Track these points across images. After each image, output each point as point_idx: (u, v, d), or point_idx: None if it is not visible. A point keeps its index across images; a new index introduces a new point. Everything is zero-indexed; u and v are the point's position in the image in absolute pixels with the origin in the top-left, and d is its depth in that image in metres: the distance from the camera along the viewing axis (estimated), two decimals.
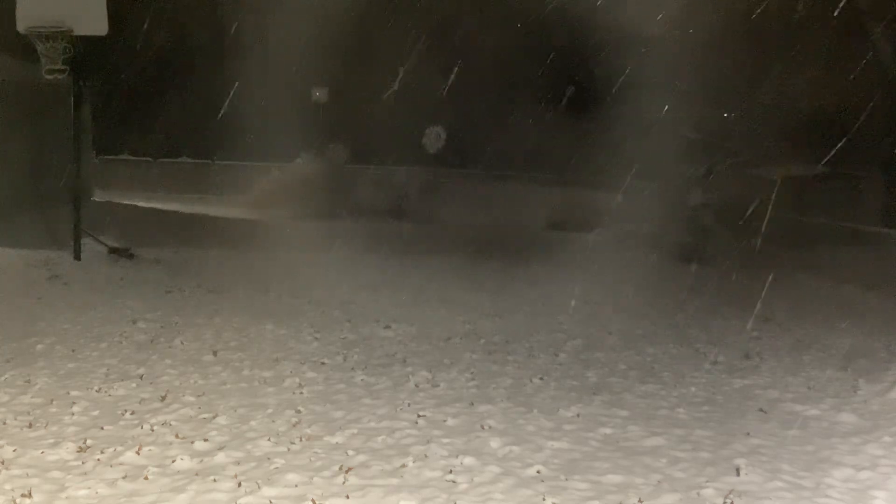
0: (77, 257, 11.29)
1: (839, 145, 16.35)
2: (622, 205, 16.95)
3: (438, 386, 6.48)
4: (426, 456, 4.99)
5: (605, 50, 16.78)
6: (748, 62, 15.87)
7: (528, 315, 9.44)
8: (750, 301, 10.84)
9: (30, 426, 5.25)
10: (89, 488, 4.38)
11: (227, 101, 18.40)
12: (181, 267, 11.49)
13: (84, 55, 11.35)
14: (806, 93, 15.42)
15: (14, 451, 4.84)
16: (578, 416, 5.87)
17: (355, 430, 5.39)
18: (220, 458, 4.85)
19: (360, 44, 20.66)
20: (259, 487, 4.46)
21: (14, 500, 4.23)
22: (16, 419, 5.36)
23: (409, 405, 5.96)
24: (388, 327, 8.39)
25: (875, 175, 16.99)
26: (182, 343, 7.45)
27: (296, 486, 4.51)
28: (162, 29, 20.93)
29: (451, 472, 4.78)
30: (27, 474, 4.54)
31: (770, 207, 16.35)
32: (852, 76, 14.78)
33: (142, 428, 5.29)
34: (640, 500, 4.50)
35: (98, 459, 4.78)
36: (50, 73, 10.61)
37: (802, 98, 15.53)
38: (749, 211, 15.60)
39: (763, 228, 15.52)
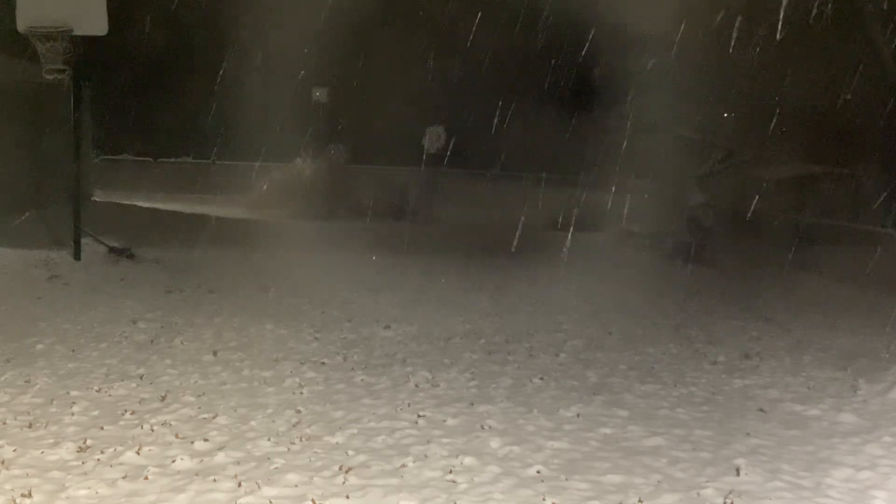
0: (77, 257, 11.29)
1: (839, 145, 16.34)
2: (622, 205, 16.96)
3: (438, 386, 6.48)
4: (426, 456, 4.99)
5: (606, 50, 16.79)
6: (748, 62, 15.86)
7: (528, 315, 9.44)
8: (750, 301, 10.87)
9: (30, 426, 5.25)
10: (89, 488, 4.38)
11: (228, 101, 18.40)
12: (181, 267, 11.49)
13: (84, 55, 11.35)
14: (806, 93, 15.42)
15: (14, 451, 4.84)
16: (578, 416, 5.88)
17: (355, 430, 5.39)
18: (220, 458, 4.85)
19: (360, 44, 20.66)
20: (259, 487, 4.46)
21: (14, 500, 4.23)
22: (16, 419, 5.36)
23: (409, 405, 5.96)
24: (388, 327, 8.39)
25: (875, 175, 16.98)
26: (182, 343, 7.45)
27: (296, 486, 4.51)
28: (162, 29, 20.95)
29: (451, 472, 4.78)
30: (27, 474, 4.54)
31: (769, 207, 16.35)
32: (852, 76, 14.77)
33: (142, 428, 5.29)
34: (640, 500, 4.50)
35: (98, 459, 4.78)
36: (50, 73, 10.61)
37: (802, 98, 15.53)
38: (748, 211, 15.59)
39: (762, 228, 15.52)
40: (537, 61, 20.55)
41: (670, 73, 15.38)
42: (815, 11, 14.05)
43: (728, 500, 4.53)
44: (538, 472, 4.83)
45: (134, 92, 22.63)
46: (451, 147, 20.38)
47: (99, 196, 18.46)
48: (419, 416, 5.72)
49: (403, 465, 4.84)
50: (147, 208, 17.58)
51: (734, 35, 14.72)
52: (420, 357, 7.35)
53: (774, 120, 15.78)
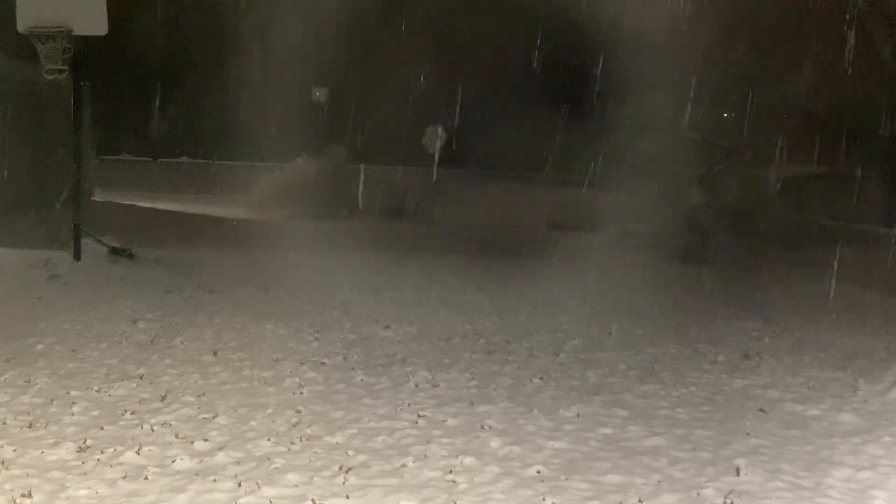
0: (77, 257, 11.29)
1: (839, 145, 16.34)
2: (622, 205, 16.97)
3: (438, 386, 6.48)
4: (426, 456, 4.99)
5: (606, 50, 16.79)
6: (748, 62, 15.87)
7: (528, 315, 9.44)
8: (750, 301, 10.87)
9: (30, 426, 5.25)
10: (89, 488, 4.38)
11: (228, 101, 18.42)
12: (181, 267, 11.48)
13: (84, 55, 11.35)
14: (806, 93, 15.43)
15: (14, 451, 4.84)
16: (578, 416, 5.87)
17: (355, 430, 5.39)
18: (220, 458, 4.85)
19: (360, 44, 20.67)
20: (259, 487, 4.46)
21: (14, 500, 4.23)
22: (16, 419, 5.36)
23: (409, 405, 5.96)
24: (388, 327, 8.39)
25: (875, 175, 16.99)
26: (182, 343, 7.45)
27: (296, 486, 4.51)
28: (162, 29, 20.96)
29: (451, 472, 4.78)
30: (27, 474, 4.53)
31: (769, 207, 16.36)
32: (852, 76, 14.77)
33: (142, 428, 5.29)
34: (640, 500, 4.50)
35: (98, 459, 4.78)
36: (50, 73, 10.61)
37: (802, 98, 15.54)
38: (748, 211, 15.61)
39: (762, 228, 15.53)
40: (537, 61, 20.55)
41: (671, 73, 15.38)
42: (816, 11, 14.06)
43: (728, 500, 4.53)
44: (538, 472, 4.83)
45: (133, 92, 22.62)
46: (451, 147, 20.38)
47: (99, 196, 18.46)
48: (419, 416, 5.72)
49: (403, 465, 4.83)
50: (147, 208, 17.59)
51: (735, 35, 14.73)
52: (420, 357, 7.35)
53: (774, 120, 15.78)
